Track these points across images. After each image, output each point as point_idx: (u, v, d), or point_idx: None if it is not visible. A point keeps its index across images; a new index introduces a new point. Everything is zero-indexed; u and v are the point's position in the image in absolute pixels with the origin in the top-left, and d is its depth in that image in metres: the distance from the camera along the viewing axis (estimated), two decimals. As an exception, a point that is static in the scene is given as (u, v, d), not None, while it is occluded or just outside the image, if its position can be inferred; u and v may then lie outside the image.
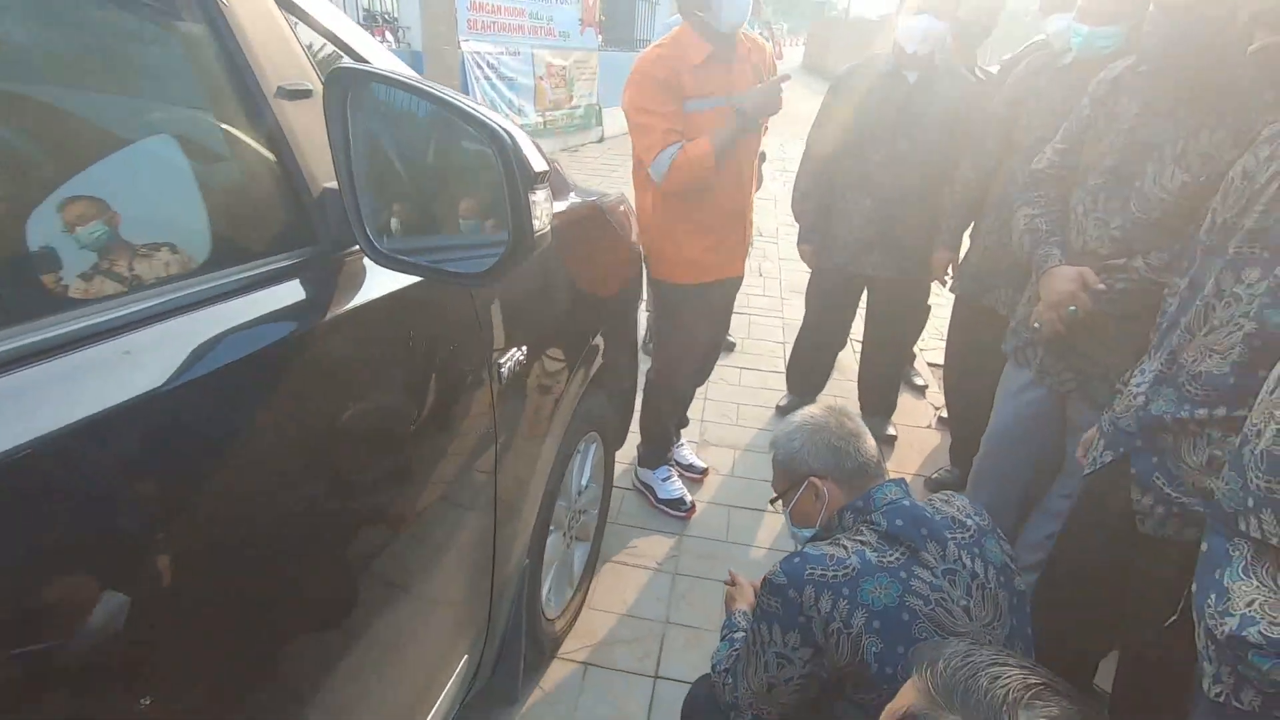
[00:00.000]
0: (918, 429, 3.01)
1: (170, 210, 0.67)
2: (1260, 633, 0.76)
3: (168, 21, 0.63)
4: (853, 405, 3.05)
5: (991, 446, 1.90)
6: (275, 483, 0.70)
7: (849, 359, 3.38)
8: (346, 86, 0.65)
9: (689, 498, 2.33)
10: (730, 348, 3.55)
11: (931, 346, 3.62)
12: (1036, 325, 1.60)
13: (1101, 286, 1.47)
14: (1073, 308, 1.50)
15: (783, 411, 2.99)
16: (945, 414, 2.81)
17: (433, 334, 0.89)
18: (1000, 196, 2.09)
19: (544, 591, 1.59)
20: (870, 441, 1.21)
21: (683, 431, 2.58)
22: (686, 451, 2.57)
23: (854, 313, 2.88)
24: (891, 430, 2.88)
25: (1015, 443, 1.83)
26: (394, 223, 0.72)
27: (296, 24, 0.75)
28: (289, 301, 0.73)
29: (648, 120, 1.85)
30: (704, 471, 2.53)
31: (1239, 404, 1.08)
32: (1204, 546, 0.90)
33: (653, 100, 1.84)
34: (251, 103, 0.68)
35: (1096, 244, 1.51)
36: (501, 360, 1.07)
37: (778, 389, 3.16)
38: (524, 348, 1.13)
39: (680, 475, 2.46)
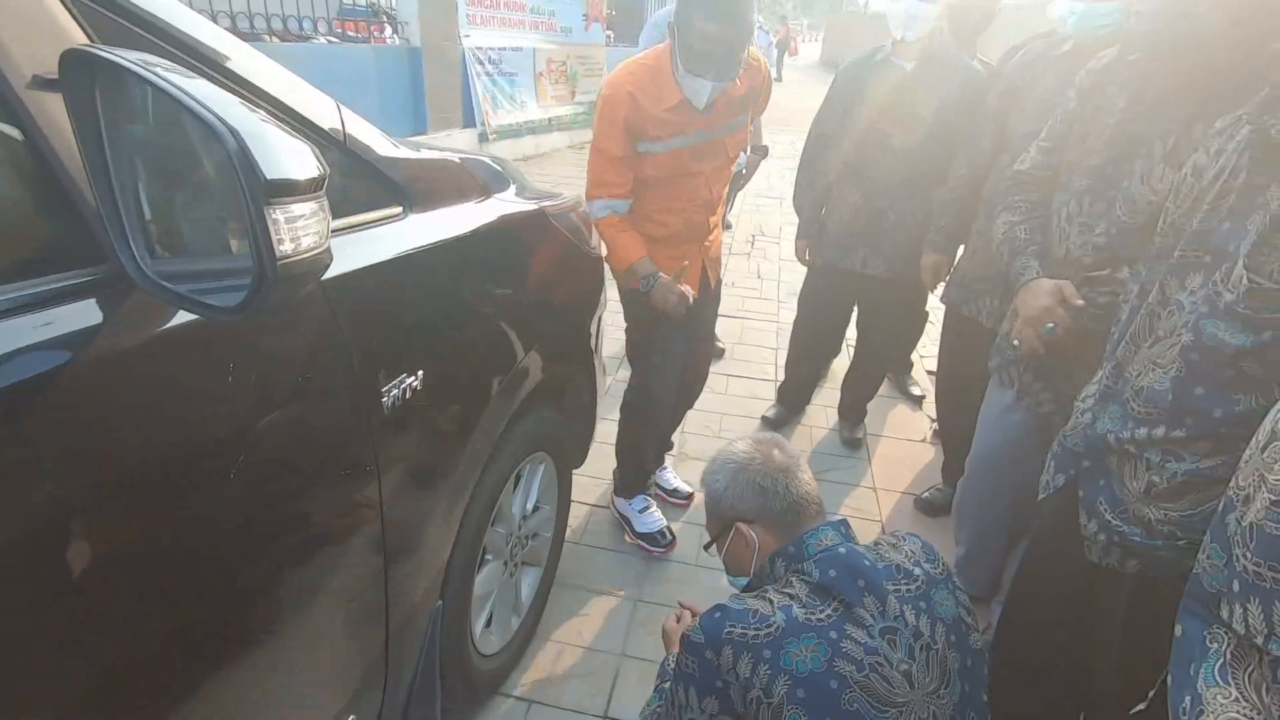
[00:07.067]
0: (912, 443, 2.85)
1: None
2: None
3: None
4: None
5: (974, 472, 1.75)
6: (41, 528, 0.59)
7: (844, 367, 3.23)
8: (92, 73, 0.53)
9: (669, 532, 2.11)
10: (719, 354, 3.41)
11: (930, 354, 3.45)
12: (1015, 343, 1.46)
13: (1080, 302, 1.32)
14: (1051, 325, 1.35)
15: (768, 423, 2.85)
16: (939, 428, 2.66)
17: (269, 363, 0.77)
18: (989, 196, 1.93)
19: (477, 627, 1.47)
20: (805, 475, 1.08)
21: (666, 455, 2.40)
22: (670, 475, 2.38)
23: (848, 317, 2.75)
24: (858, 434, 2.77)
25: (999, 469, 1.68)
26: (180, 239, 0.60)
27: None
28: (66, 329, 0.62)
29: (599, 160, 1.76)
30: (689, 497, 2.33)
31: (1176, 424, 0.97)
32: (1178, 630, 0.75)
33: (609, 140, 1.72)
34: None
35: (1080, 252, 1.36)
36: (384, 388, 0.95)
37: (766, 398, 3.02)
38: (419, 373, 1.01)
39: (663, 501, 2.30)
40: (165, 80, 0.48)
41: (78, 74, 0.53)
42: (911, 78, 2.20)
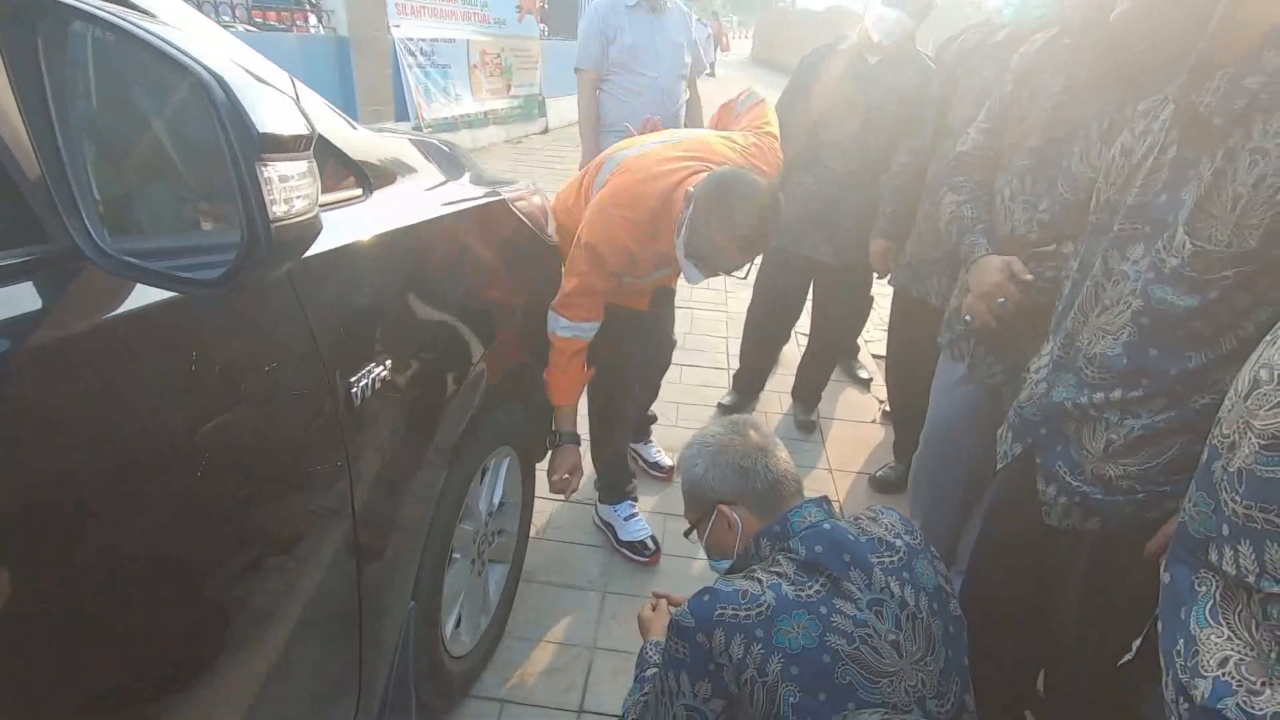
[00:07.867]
0: (862, 424, 2.92)
1: None
2: (1239, 706, 0.63)
3: None
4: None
5: (928, 445, 1.81)
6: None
7: (794, 354, 3.28)
8: (33, 21, 0.47)
9: (654, 541, 2.03)
10: (672, 344, 3.41)
11: (876, 338, 3.55)
12: (968, 318, 1.51)
13: (1029, 277, 1.38)
14: (1002, 300, 1.41)
15: (725, 409, 2.87)
16: (889, 408, 2.73)
17: (231, 352, 0.71)
18: (933, 182, 1.99)
19: (448, 628, 1.42)
20: (782, 453, 1.09)
21: (651, 426, 2.44)
22: (653, 449, 2.40)
23: (801, 304, 2.80)
24: (813, 417, 2.83)
25: (952, 440, 1.74)
26: (133, 213, 0.54)
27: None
28: (2, 315, 0.55)
29: (581, 289, 1.62)
30: (670, 470, 2.36)
31: (1132, 385, 1.03)
32: (1166, 577, 0.79)
33: (597, 277, 1.61)
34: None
35: (1025, 229, 1.43)
36: (353, 380, 0.90)
37: (720, 386, 3.04)
38: (387, 363, 0.96)
39: (643, 474, 2.30)
40: (132, 25, 0.43)
41: (16, 22, 0.47)
42: (874, 70, 2.27)
